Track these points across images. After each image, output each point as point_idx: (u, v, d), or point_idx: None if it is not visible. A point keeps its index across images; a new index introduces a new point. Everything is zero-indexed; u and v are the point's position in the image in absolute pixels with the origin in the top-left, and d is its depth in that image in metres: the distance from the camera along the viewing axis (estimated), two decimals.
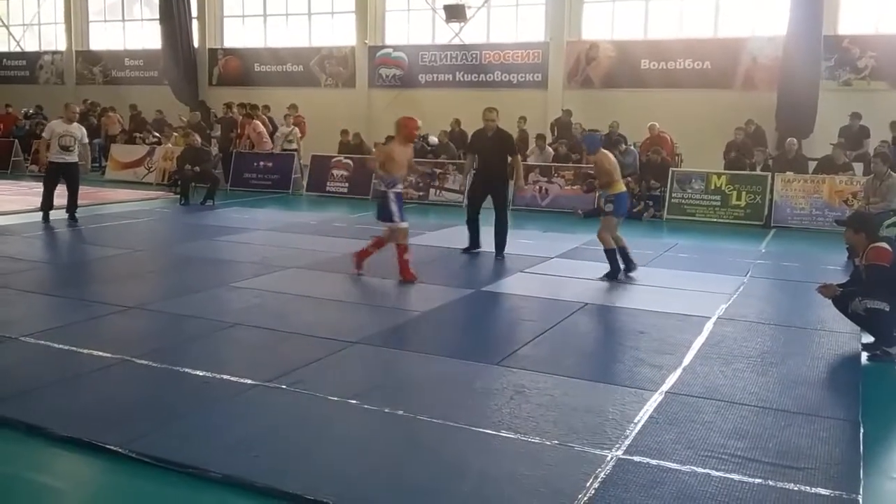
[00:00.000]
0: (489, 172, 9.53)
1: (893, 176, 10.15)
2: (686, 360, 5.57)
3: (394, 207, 7.94)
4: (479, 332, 6.43)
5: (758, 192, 13.13)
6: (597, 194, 13.08)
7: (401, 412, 4.48)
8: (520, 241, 10.69)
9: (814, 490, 3.69)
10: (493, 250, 9.51)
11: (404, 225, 8.07)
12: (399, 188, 8.16)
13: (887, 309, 5.68)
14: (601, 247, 8.49)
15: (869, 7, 17.27)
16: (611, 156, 8.77)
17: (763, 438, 4.27)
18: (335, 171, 16.52)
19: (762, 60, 17.65)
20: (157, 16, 23.71)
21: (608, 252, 8.40)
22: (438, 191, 15.52)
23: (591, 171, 9.45)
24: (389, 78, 21.70)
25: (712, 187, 13.45)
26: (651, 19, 19.19)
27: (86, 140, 12.23)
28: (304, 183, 16.85)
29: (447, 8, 20.34)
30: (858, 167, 13.57)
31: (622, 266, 8.47)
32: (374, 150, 17.29)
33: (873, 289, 5.78)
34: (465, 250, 9.79)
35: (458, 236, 11.25)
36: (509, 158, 9.62)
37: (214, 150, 17.38)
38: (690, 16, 18.80)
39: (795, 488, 3.71)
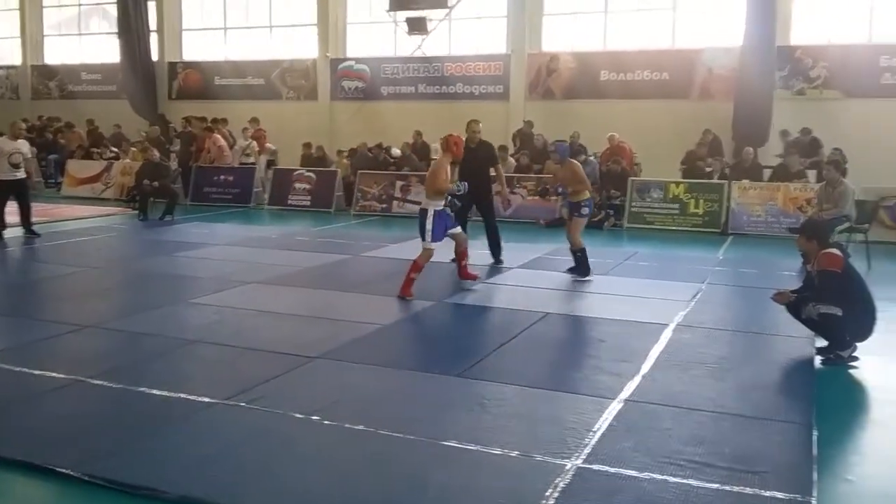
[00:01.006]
0: (475, 183, 9.64)
1: (844, 182, 10.39)
2: (645, 368, 5.64)
3: (428, 226, 7.96)
4: (440, 345, 6.44)
5: (715, 200, 13.36)
6: (559, 204, 13.24)
7: (361, 427, 4.45)
8: (482, 251, 10.73)
9: (769, 493, 3.76)
10: (491, 257, 9.91)
11: (432, 247, 8.05)
12: (440, 205, 8.10)
13: (840, 313, 5.80)
14: (561, 256, 8.58)
15: (820, 18, 17.70)
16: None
17: (719, 444, 4.33)
18: (297, 185, 16.43)
19: (718, 71, 17.97)
20: (115, 29, 23.41)
21: (582, 252, 8.80)
22: (401, 203, 15.51)
23: (550, 179, 9.68)
24: (352, 90, 21.67)
25: (671, 196, 13.64)
26: (610, 31, 19.44)
27: (30, 155, 12.26)
28: (266, 196, 16.73)
29: (409, 20, 20.40)
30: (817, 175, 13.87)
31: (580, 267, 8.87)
32: (337, 161, 17.29)
33: (826, 294, 5.90)
34: (454, 260, 9.88)
35: (419, 248, 11.25)
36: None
37: (174, 164, 17.19)
38: (648, 28, 19.09)
39: (751, 492, 3.77)
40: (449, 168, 8.32)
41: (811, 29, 17.73)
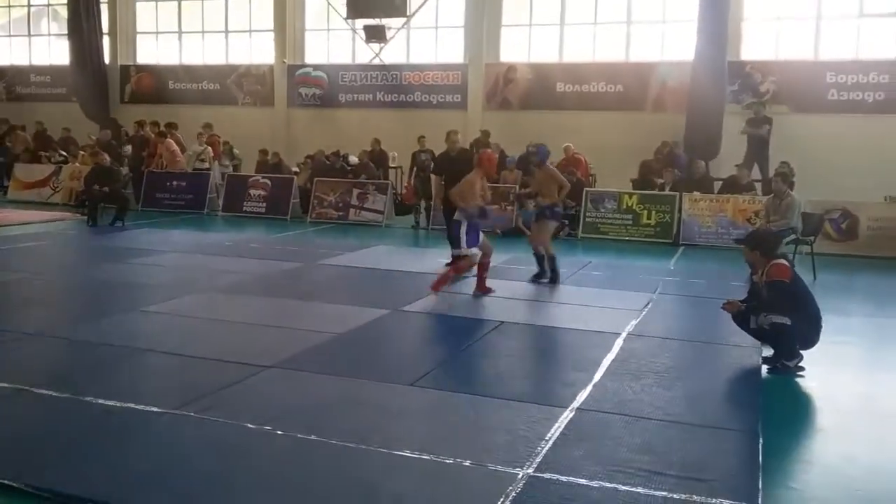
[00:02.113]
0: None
1: (791, 195, 10.67)
2: (597, 377, 5.71)
3: (462, 234, 8.24)
4: (394, 353, 6.43)
5: (667, 212, 13.60)
6: (515, 213, 13.34)
7: (313, 437, 4.43)
8: (439, 259, 10.77)
9: (715, 501, 3.83)
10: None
11: (473, 251, 8.31)
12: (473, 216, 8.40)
13: (789, 323, 5.95)
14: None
15: (769, 34, 18.19)
16: None
17: (668, 452, 4.40)
18: (252, 191, 16.27)
19: (671, 84, 18.33)
20: (66, 31, 22.94)
21: (553, 259, 9.19)
22: (358, 211, 15.47)
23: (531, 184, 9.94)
24: (309, 97, 21.56)
25: (624, 207, 13.86)
26: (566, 43, 19.70)
27: None
28: (220, 203, 16.53)
29: (367, 28, 20.40)
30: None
31: (547, 272, 9.21)
32: (301, 170, 17.16)
33: (776, 304, 6.05)
34: (449, 263, 9.96)
35: (376, 257, 11.26)
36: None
37: (125, 169, 16.88)
38: (603, 40, 19.39)
39: (698, 500, 3.84)
40: (480, 183, 8.51)
41: (761, 45, 18.21)
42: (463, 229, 8.26)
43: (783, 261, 6.22)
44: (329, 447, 4.32)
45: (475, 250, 8.33)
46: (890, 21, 17.24)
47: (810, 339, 6.06)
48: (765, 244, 6.43)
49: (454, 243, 8.45)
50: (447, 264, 9.96)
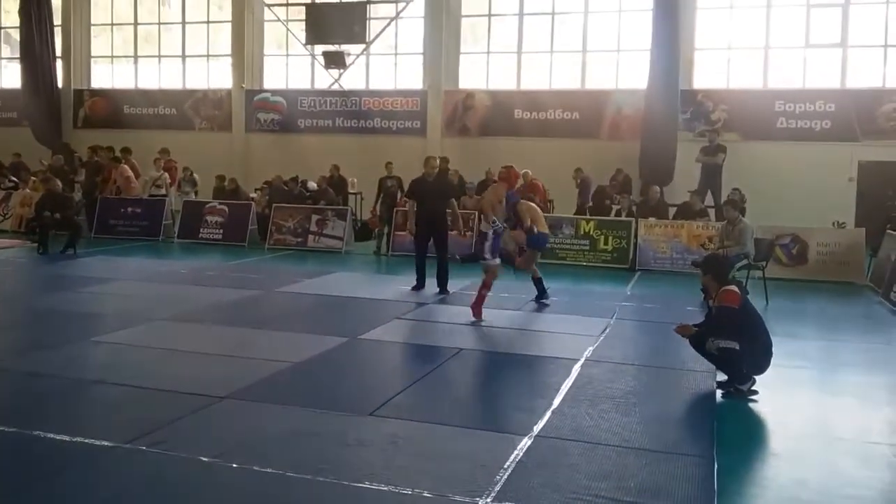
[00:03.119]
0: (433, 216, 10.35)
1: (744, 221, 10.91)
2: (555, 403, 5.73)
3: (487, 245, 8.66)
4: (352, 382, 6.37)
5: (623, 237, 13.79)
6: (473, 239, 13.40)
7: (269, 470, 4.35)
8: (398, 286, 10.74)
9: None
10: (437, 287, 10.27)
11: (495, 262, 8.68)
12: (500, 230, 8.83)
13: (738, 347, 6.05)
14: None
15: (720, 64, 18.70)
16: None
17: (625, 478, 4.43)
18: (209, 217, 16.07)
19: (626, 111, 18.70)
20: (18, 55, 22.56)
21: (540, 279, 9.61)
22: (317, 237, 15.37)
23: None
24: (268, 122, 21.49)
25: (581, 232, 14.01)
26: (524, 71, 20.01)
27: None
28: (176, 230, 16.30)
29: (326, 54, 20.45)
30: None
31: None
32: (258, 199, 17.02)
33: (724, 329, 6.15)
34: (414, 288, 10.38)
35: (335, 283, 11.19)
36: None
37: (78, 195, 16.56)
38: (560, 68, 19.75)
39: None
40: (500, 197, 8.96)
41: (712, 74, 18.71)
42: (489, 241, 8.64)
43: (734, 287, 6.34)
44: (285, 480, 4.25)
45: (498, 261, 8.72)
46: (835, 51, 17.86)
47: (760, 365, 6.17)
48: (717, 268, 6.56)
49: (480, 256, 8.85)
50: (412, 289, 10.20)
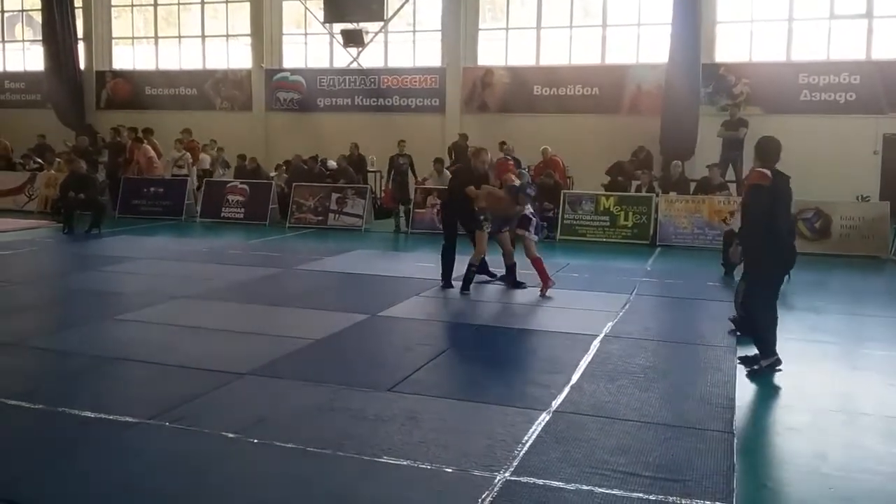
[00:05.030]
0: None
1: None
2: (574, 379, 5.73)
3: (534, 223, 9.11)
4: (371, 359, 6.42)
5: (644, 213, 13.69)
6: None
7: (291, 445, 4.41)
8: (417, 264, 10.77)
9: (691, 501, 3.86)
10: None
11: (534, 237, 9.09)
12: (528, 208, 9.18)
13: (760, 248, 5.97)
14: (493, 268, 8.69)
15: (742, 37, 18.39)
16: None
17: (644, 453, 4.43)
18: (230, 197, 16.18)
19: (646, 87, 18.48)
20: (41, 37, 22.72)
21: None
22: (337, 215, 15.43)
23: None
24: (287, 101, 21.50)
25: (601, 208, 13.93)
26: (543, 47, 19.81)
27: None
28: (198, 209, 16.43)
29: (344, 33, 20.38)
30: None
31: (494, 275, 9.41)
32: (276, 175, 17.10)
33: (752, 210, 6.02)
34: (443, 287, 9.40)
35: (355, 261, 11.24)
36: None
37: (101, 175, 16.73)
38: (579, 44, 19.53)
39: (673, 500, 3.87)
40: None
41: (734, 47, 18.41)
42: (535, 220, 9.10)
43: (767, 171, 6.10)
44: (306, 455, 4.31)
45: (536, 237, 9.18)
46: (860, 22, 17.49)
47: (786, 259, 6.03)
48: (761, 150, 6.27)
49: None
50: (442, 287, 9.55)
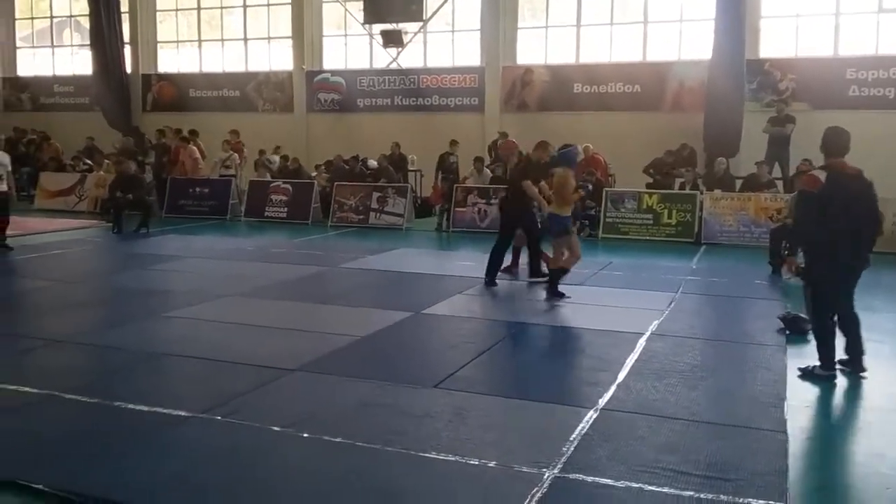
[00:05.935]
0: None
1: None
2: (620, 377, 5.69)
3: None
4: (417, 356, 6.45)
5: (688, 211, 13.52)
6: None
7: (339, 440, 4.46)
8: (459, 262, 10.79)
9: (743, 501, 3.81)
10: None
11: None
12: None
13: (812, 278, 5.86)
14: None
15: (788, 31, 18.03)
16: None
17: (694, 451, 4.38)
18: (274, 196, 16.38)
19: (689, 84, 18.21)
20: (88, 41, 23.25)
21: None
22: (378, 214, 15.53)
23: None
24: (328, 102, 21.68)
25: (644, 206, 13.79)
26: (583, 45, 19.67)
27: (10, 168, 12.07)
28: (242, 209, 16.67)
29: (384, 33, 20.47)
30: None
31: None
32: (317, 175, 17.28)
33: (804, 219, 5.86)
34: (507, 269, 9.75)
35: (397, 259, 11.30)
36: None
37: (148, 176, 17.07)
38: (620, 41, 19.33)
39: (725, 499, 3.82)
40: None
41: (779, 42, 18.06)
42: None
43: (817, 173, 5.90)
44: (354, 449, 4.35)
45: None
46: None
47: (857, 252, 5.79)
48: (824, 143, 6.05)
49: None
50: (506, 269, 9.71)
